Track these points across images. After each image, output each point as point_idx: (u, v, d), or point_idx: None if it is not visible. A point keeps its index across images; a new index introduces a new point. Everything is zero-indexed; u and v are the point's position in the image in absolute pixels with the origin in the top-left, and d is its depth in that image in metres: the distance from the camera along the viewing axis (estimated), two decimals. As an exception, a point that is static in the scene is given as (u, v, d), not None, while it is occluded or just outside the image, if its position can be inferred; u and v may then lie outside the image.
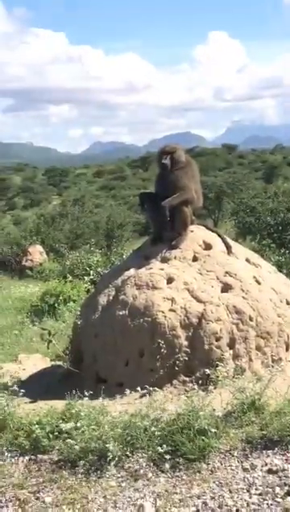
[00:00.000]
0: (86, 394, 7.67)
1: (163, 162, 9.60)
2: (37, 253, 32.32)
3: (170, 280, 9.13)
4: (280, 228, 29.77)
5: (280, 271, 12.59)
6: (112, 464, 6.60)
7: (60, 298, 17.34)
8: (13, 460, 7.05)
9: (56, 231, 39.48)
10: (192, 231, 9.70)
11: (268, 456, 6.58)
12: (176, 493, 6.16)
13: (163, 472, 6.50)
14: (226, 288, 9.12)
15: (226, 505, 5.88)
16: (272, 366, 8.57)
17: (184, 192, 9.43)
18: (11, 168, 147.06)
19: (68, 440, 6.85)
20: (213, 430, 6.74)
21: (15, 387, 8.28)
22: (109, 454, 6.59)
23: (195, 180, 9.70)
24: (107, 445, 6.62)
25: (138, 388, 8.05)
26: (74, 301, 16.84)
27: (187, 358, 8.58)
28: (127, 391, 8.09)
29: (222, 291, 9.09)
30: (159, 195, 9.51)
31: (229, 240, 9.97)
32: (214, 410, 7.13)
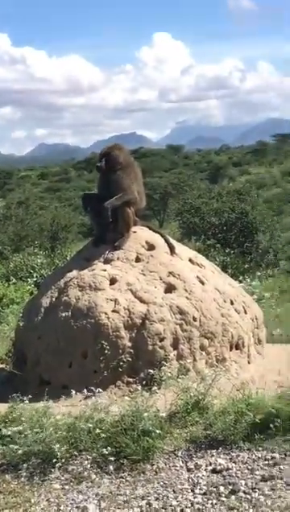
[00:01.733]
0: (29, 396, 7.58)
1: (97, 164, 9.61)
2: (-20, 255, 32.00)
3: (113, 281, 9.10)
4: (225, 228, 29.92)
5: (225, 271, 12.65)
6: (55, 466, 6.55)
7: (4, 300, 17.18)
8: None
9: (0, 233, 39.14)
10: (134, 232, 9.68)
11: (213, 455, 6.60)
12: (120, 495, 6.13)
13: (107, 473, 6.47)
14: (170, 289, 9.12)
15: (171, 506, 5.87)
16: (216, 366, 8.58)
17: (125, 193, 9.39)
18: None
19: (11, 446, 6.77)
20: (158, 431, 6.72)
21: None
22: (57, 455, 6.54)
23: (137, 181, 9.67)
24: (53, 447, 6.57)
25: (83, 390, 8.01)
26: (17, 303, 16.69)
27: (131, 359, 8.57)
28: (72, 393, 8.03)
29: (166, 292, 9.09)
30: (102, 196, 9.47)
31: (172, 240, 9.96)
32: (158, 410, 7.09)
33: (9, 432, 6.93)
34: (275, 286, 17.39)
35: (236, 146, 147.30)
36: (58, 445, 6.61)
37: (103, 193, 9.51)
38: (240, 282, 14.06)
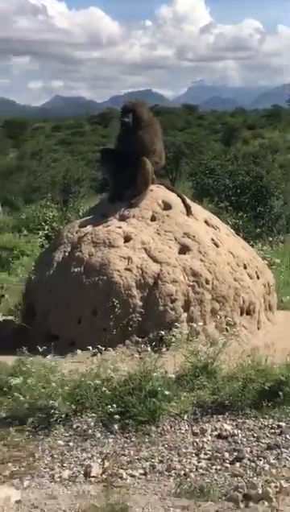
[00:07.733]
0: (38, 350, 7.55)
1: (124, 120, 9.41)
2: (-9, 206, 31.89)
3: (127, 239, 9.01)
4: (238, 191, 29.65)
5: (237, 234, 12.54)
6: (60, 422, 6.52)
7: (14, 252, 17.12)
8: None
9: (12, 184, 38.93)
10: (151, 190, 9.55)
11: (219, 420, 6.55)
12: (124, 455, 6.11)
13: (111, 433, 6.44)
14: (184, 250, 9.03)
15: (174, 469, 5.85)
16: (226, 330, 8.51)
17: (145, 161, 9.24)
18: None
19: (17, 395, 6.73)
20: (166, 392, 6.67)
21: None
22: (56, 412, 6.50)
23: (158, 139, 9.53)
24: (58, 402, 6.52)
25: (90, 347, 7.95)
26: (28, 256, 16.63)
27: (141, 319, 8.51)
28: (78, 350, 7.99)
29: (180, 253, 9.00)
30: (123, 152, 9.33)
31: (188, 201, 9.84)
32: (166, 372, 7.05)
33: (17, 381, 6.89)
34: (286, 252, 17.22)
35: (251, 109, 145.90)
36: (59, 400, 6.57)
37: (125, 150, 9.36)
38: (251, 246, 13.96)
